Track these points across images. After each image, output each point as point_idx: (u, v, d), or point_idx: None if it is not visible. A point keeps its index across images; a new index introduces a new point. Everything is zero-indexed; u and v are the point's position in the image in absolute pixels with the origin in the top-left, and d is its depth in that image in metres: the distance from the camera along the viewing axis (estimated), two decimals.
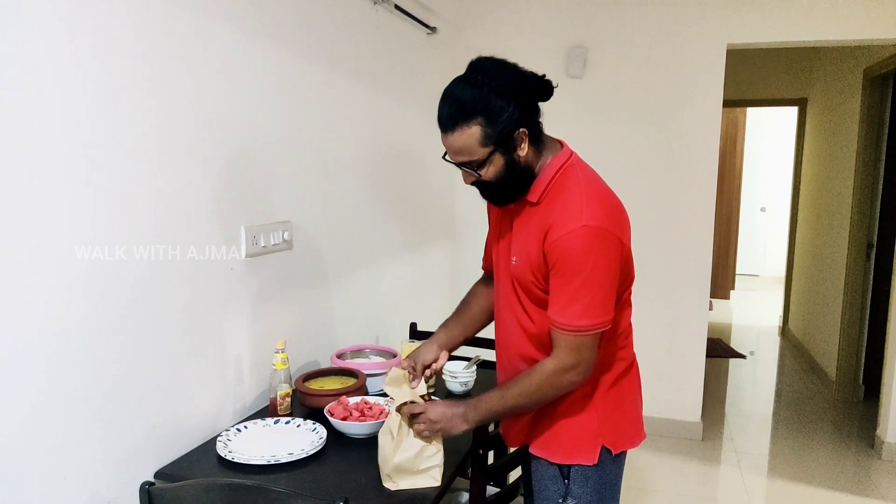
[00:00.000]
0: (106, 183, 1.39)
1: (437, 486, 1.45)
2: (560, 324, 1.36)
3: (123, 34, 1.41)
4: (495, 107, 1.30)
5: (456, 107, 1.32)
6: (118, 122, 1.41)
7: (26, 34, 1.20)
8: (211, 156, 1.71)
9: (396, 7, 2.74)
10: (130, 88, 1.44)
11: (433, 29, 3.13)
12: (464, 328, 1.70)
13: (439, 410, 1.43)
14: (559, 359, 1.37)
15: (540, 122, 1.40)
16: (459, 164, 1.38)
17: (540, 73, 1.38)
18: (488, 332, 1.80)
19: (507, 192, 1.42)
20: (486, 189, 1.43)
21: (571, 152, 1.44)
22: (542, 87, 1.37)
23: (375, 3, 2.59)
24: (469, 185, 1.43)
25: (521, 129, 1.34)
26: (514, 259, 1.44)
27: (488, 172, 1.37)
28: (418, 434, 1.45)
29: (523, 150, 1.36)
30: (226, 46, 1.75)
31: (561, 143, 1.46)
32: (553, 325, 1.38)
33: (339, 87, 2.38)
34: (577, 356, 1.36)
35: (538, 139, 1.40)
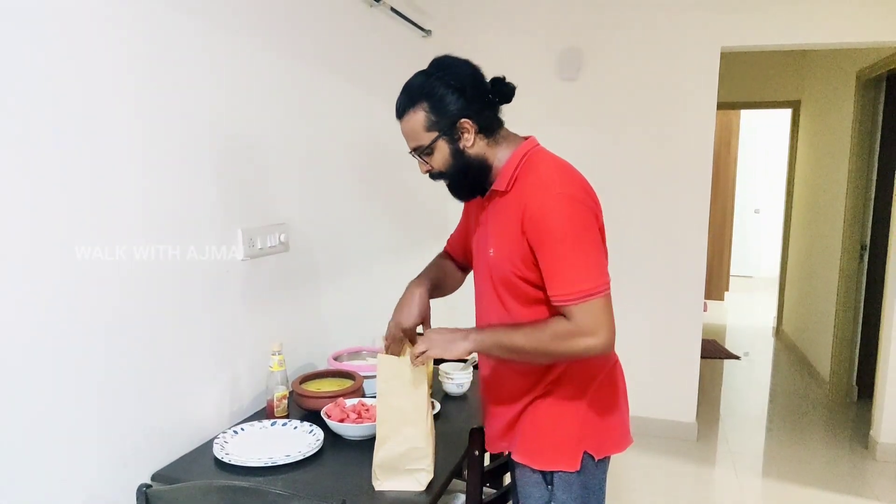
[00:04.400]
0: (104, 184, 1.39)
1: (421, 492, 1.44)
2: (562, 296, 1.32)
3: (122, 36, 1.42)
4: (439, 94, 1.37)
5: (405, 93, 1.41)
6: (117, 123, 1.41)
7: (26, 36, 1.20)
8: (208, 157, 1.71)
9: (392, 10, 2.75)
10: (129, 90, 1.44)
11: (428, 32, 3.14)
12: (440, 282, 1.68)
13: (433, 337, 1.40)
14: (574, 323, 1.32)
15: (495, 118, 1.44)
16: (412, 152, 1.45)
17: (502, 76, 1.43)
18: None
19: (462, 183, 1.46)
20: (444, 180, 1.47)
21: (536, 143, 1.47)
22: (500, 89, 1.42)
23: (371, 5, 2.59)
24: (427, 176, 1.48)
25: (465, 120, 1.38)
26: (491, 251, 1.45)
27: (435, 160, 1.43)
28: (416, 358, 1.40)
29: (469, 141, 1.40)
30: (223, 49, 1.75)
31: (527, 139, 1.49)
32: (557, 302, 1.33)
33: (335, 89, 2.38)
34: (593, 320, 1.30)
35: (492, 133, 1.43)
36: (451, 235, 1.79)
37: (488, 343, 1.40)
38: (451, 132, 1.39)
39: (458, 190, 1.49)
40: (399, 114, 1.42)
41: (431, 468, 1.46)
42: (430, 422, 1.47)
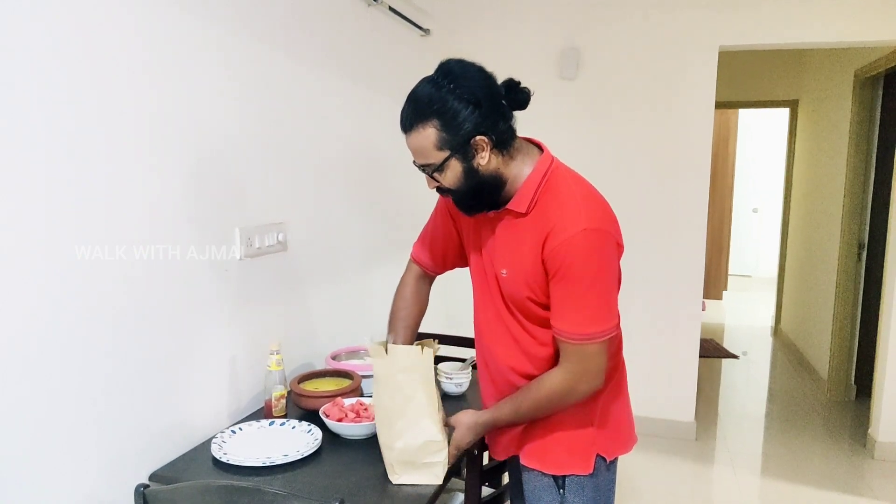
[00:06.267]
0: (105, 184, 1.39)
1: (437, 485, 1.45)
2: (566, 333, 1.32)
3: (121, 38, 1.41)
4: (451, 110, 1.26)
5: (413, 107, 1.30)
6: (118, 123, 1.41)
7: (27, 37, 1.20)
8: (206, 157, 1.71)
9: (390, 8, 2.74)
10: (129, 91, 1.44)
11: (427, 31, 3.13)
12: (413, 341, 1.65)
13: (467, 440, 1.48)
14: (567, 370, 1.34)
15: (510, 130, 1.34)
16: (420, 168, 1.36)
17: (517, 80, 1.33)
18: None
19: (473, 200, 1.38)
20: (452, 196, 1.39)
21: (552, 158, 1.39)
22: (515, 96, 1.33)
23: (369, 4, 2.59)
24: (434, 191, 1.41)
25: (480, 137, 1.28)
26: (503, 272, 1.40)
27: (446, 178, 1.33)
28: (453, 455, 1.48)
29: (484, 159, 1.30)
30: (221, 49, 1.75)
31: (540, 147, 1.42)
32: (559, 335, 1.33)
33: (333, 89, 2.38)
34: (585, 365, 1.33)
35: (507, 147, 1.34)
36: (426, 243, 1.66)
37: (505, 426, 1.48)
38: (464, 150, 1.29)
39: (467, 207, 1.41)
40: (405, 127, 1.31)
41: (447, 461, 1.47)
42: (443, 415, 1.49)
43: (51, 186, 1.27)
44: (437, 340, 1.50)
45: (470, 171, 1.32)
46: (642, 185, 3.53)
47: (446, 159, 1.30)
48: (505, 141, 1.33)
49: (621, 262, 1.41)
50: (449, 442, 1.48)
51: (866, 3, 3.13)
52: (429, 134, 1.28)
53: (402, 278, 1.71)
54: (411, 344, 1.62)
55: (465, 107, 1.26)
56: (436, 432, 1.44)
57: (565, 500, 1.45)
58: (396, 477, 1.45)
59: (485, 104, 1.28)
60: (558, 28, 3.53)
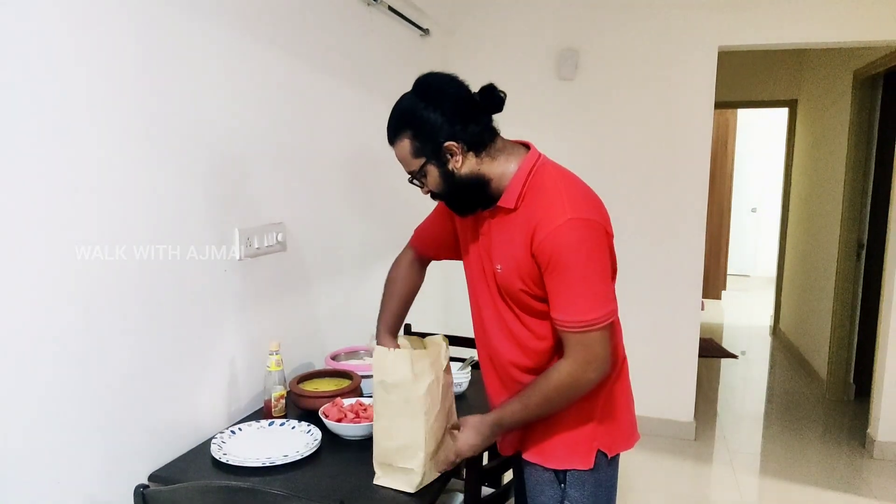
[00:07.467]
0: (105, 185, 1.39)
1: (411, 494, 1.42)
2: (565, 322, 1.34)
3: (121, 38, 1.41)
4: (421, 119, 1.35)
5: (391, 120, 1.41)
6: (117, 124, 1.41)
7: (28, 37, 1.20)
8: (205, 157, 1.71)
9: (390, 8, 2.74)
10: (129, 91, 1.44)
11: (426, 31, 3.13)
12: (403, 310, 1.78)
13: (469, 444, 1.43)
14: (573, 359, 1.35)
15: (485, 132, 1.39)
16: (409, 175, 1.44)
17: (492, 84, 1.39)
18: None
19: (460, 202, 1.45)
20: (442, 199, 1.47)
21: (539, 154, 1.44)
22: (489, 99, 1.39)
23: (369, 4, 2.59)
24: (429, 197, 1.47)
25: (450, 142, 1.35)
26: (499, 267, 1.43)
27: (429, 183, 1.42)
28: (443, 464, 1.45)
29: (458, 162, 1.37)
30: (221, 50, 1.75)
31: (527, 146, 1.46)
32: (559, 326, 1.36)
33: (332, 89, 2.38)
34: (590, 352, 1.34)
35: (483, 148, 1.39)
36: (423, 232, 1.76)
37: (511, 424, 1.44)
38: (437, 156, 1.37)
39: (457, 208, 1.48)
40: (389, 141, 1.42)
41: (422, 470, 1.40)
42: (431, 420, 1.40)
43: (51, 186, 1.27)
44: (447, 345, 1.51)
45: (446, 175, 1.39)
46: (641, 185, 3.53)
47: (423, 165, 1.39)
48: (480, 143, 1.39)
49: (618, 254, 1.44)
50: (445, 450, 1.45)
51: (866, 3, 3.13)
52: (405, 144, 1.39)
53: (398, 257, 1.81)
54: (400, 315, 1.76)
55: (433, 115, 1.35)
56: (412, 436, 1.40)
57: (566, 495, 1.47)
58: (376, 477, 1.46)
59: (453, 112, 1.36)
60: (557, 28, 3.53)
